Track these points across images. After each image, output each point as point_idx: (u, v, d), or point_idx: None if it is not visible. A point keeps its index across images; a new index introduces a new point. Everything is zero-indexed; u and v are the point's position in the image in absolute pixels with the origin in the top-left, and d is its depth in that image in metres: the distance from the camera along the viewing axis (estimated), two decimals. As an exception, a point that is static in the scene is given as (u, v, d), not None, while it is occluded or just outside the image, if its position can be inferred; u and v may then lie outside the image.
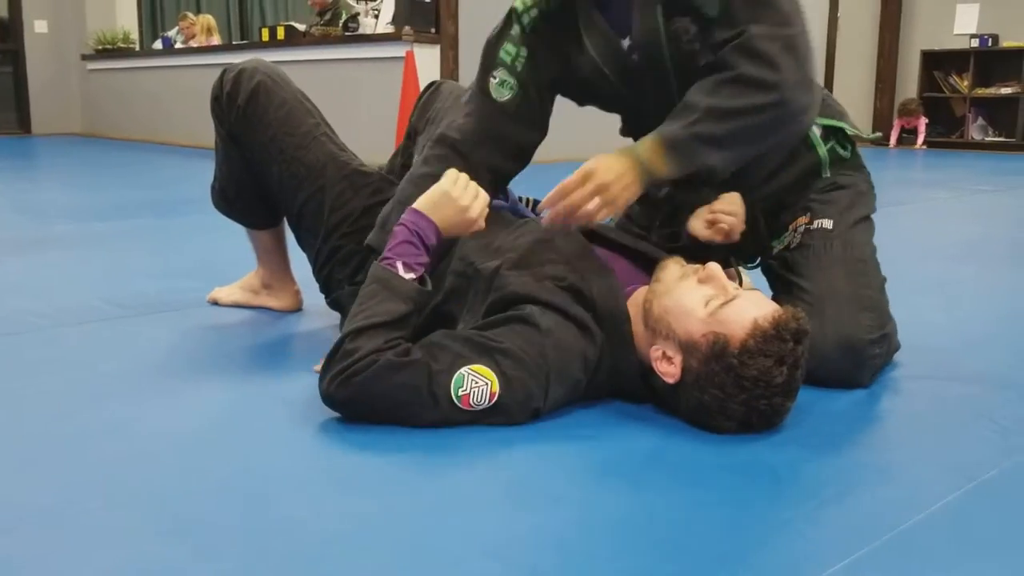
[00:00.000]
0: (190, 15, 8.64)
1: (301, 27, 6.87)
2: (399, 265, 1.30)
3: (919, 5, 9.00)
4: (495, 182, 1.57)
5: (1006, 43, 8.26)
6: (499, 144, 1.55)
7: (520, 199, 1.63)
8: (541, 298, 1.29)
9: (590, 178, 1.36)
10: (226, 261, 2.21)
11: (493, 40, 1.56)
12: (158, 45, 8.52)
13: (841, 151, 1.61)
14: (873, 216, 1.63)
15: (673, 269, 1.32)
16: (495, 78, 1.54)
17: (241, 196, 1.80)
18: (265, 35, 6.95)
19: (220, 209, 1.86)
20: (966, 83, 8.40)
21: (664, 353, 1.26)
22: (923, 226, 3.62)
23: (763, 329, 1.19)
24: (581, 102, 1.63)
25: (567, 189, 1.37)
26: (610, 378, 1.33)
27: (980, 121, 8.46)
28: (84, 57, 9.02)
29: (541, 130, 1.60)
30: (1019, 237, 3.28)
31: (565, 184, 1.37)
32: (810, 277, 1.51)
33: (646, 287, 1.35)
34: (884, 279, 1.56)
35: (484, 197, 1.39)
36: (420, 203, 1.36)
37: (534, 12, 1.51)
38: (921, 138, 8.33)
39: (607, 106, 1.64)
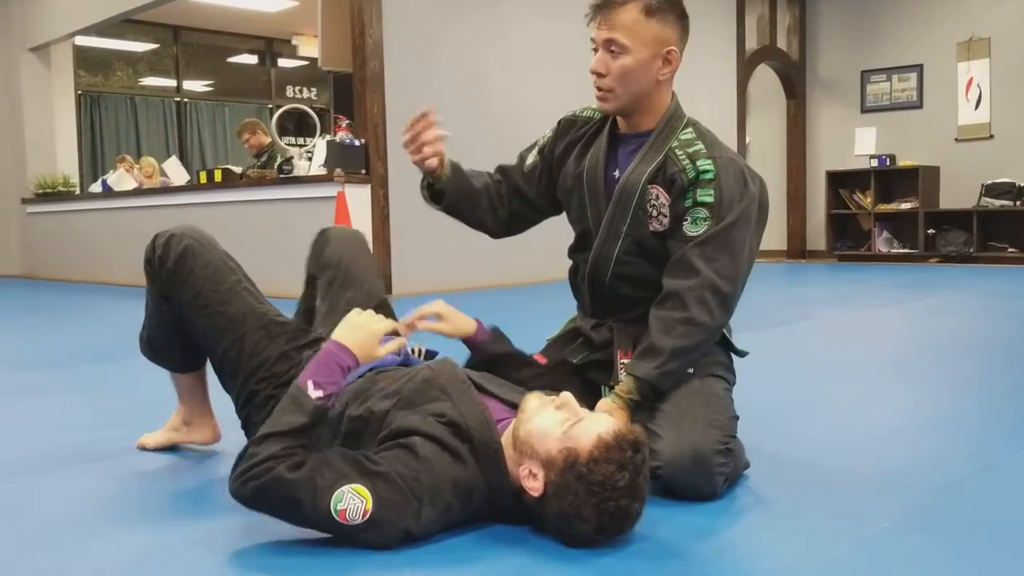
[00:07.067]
0: (128, 157, 8.88)
1: (238, 169, 7.18)
2: (310, 384, 1.52)
3: (822, 129, 9.71)
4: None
5: (902, 162, 8.92)
6: (514, 190, 2.07)
7: (412, 350, 1.86)
8: (423, 430, 1.51)
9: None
10: (154, 404, 2.37)
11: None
12: (97, 187, 8.72)
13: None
14: (730, 383, 1.91)
15: (533, 400, 1.55)
16: (531, 150, 2.08)
17: (166, 345, 1.99)
18: (203, 177, 7.23)
19: (147, 355, 2.05)
20: (869, 200, 9.01)
21: (530, 471, 1.48)
22: (804, 345, 3.91)
23: (605, 441, 1.42)
24: (566, 203, 2.02)
25: None
26: (488, 502, 1.54)
27: (885, 234, 9.04)
28: (24, 201, 9.21)
29: (541, 199, 2.08)
30: (893, 356, 3.56)
31: None
32: (672, 401, 1.77)
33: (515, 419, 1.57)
34: (736, 416, 1.82)
35: (387, 321, 1.67)
36: (338, 333, 1.60)
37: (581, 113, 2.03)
38: None
39: (572, 215, 2.02)
